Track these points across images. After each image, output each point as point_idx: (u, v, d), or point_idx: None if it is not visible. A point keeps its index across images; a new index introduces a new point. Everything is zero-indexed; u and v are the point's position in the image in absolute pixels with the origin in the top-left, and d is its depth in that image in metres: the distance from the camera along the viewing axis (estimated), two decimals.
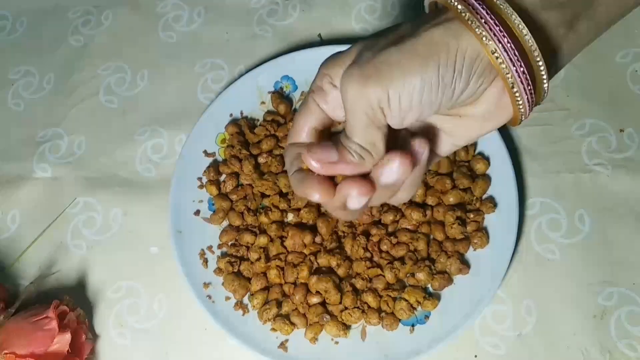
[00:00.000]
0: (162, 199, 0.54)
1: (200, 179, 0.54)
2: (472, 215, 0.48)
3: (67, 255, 0.53)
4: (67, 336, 0.44)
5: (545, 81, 0.30)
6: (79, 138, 0.59)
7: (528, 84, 0.30)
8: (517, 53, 0.28)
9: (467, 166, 0.51)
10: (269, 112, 0.56)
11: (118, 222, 0.54)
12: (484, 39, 0.28)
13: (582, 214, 0.50)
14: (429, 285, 0.47)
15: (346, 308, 0.47)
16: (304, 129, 0.34)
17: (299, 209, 0.50)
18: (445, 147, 0.34)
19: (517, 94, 0.30)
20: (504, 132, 0.53)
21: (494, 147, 0.51)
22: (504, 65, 0.28)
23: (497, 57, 0.28)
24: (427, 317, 0.46)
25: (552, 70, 0.31)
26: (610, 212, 0.50)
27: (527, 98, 0.30)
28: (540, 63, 0.29)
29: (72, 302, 0.48)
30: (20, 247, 0.54)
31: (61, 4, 0.67)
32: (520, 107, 0.30)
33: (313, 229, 0.49)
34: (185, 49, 0.63)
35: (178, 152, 0.55)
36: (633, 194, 0.50)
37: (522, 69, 0.29)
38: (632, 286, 0.47)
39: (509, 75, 0.29)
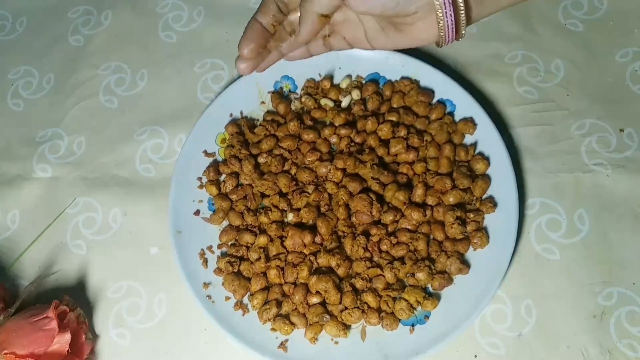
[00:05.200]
0: (162, 199, 0.54)
1: (200, 179, 0.54)
2: (472, 215, 0.48)
3: (67, 255, 0.53)
4: (67, 336, 0.44)
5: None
6: (78, 138, 0.59)
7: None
8: None
9: (467, 166, 0.51)
10: (268, 112, 0.56)
11: (118, 222, 0.54)
12: None
13: (581, 214, 0.50)
14: (429, 285, 0.47)
15: (346, 308, 0.47)
16: None
17: (299, 209, 0.50)
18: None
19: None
20: (504, 132, 0.53)
21: (494, 147, 0.51)
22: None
23: None
24: (427, 317, 0.46)
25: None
26: (609, 212, 0.50)
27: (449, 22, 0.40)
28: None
29: (72, 302, 0.48)
30: (20, 247, 0.54)
31: (61, 4, 0.67)
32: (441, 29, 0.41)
33: (313, 229, 0.49)
34: (185, 49, 0.63)
35: (178, 152, 0.55)
36: (633, 194, 0.50)
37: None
38: (632, 286, 0.47)
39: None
